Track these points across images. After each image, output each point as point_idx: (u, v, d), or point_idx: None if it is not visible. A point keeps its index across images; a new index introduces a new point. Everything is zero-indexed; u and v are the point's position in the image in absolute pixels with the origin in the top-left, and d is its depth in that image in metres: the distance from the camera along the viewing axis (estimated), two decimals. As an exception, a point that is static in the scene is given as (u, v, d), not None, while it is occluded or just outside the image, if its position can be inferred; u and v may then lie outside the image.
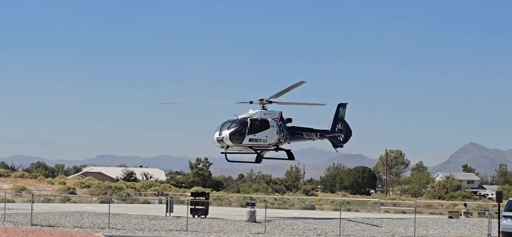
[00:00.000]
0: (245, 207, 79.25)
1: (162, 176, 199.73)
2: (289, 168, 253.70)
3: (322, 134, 76.67)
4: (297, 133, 73.22)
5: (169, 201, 74.11)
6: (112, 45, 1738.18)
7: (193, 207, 70.82)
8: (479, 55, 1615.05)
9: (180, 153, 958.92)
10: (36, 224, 53.56)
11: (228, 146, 69.52)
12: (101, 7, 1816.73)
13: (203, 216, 69.77)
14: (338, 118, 77.88)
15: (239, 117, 69.53)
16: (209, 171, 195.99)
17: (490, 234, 57.28)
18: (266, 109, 70.37)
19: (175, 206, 75.91)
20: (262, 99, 70.25)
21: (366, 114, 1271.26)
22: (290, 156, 73.39)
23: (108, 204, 69.93)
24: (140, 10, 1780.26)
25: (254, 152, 70.75)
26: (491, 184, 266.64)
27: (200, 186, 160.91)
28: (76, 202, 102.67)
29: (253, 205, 70.43)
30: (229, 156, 72.35)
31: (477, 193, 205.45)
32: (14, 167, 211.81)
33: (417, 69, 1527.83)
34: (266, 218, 60.84)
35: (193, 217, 67.60)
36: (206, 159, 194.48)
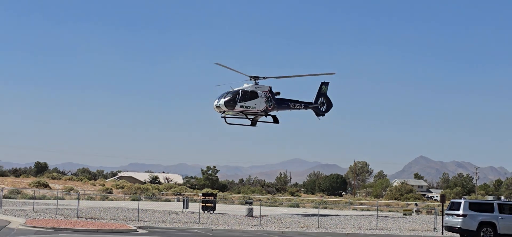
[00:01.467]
0: (245, 205, 79.11)
1: (179, 180, 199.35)
2: (279, 174, 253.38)
3: (306, 105, 75.08)
4: (284, 103, 72.21)
5: (185, 200, 73.86)
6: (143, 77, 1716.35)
7: (204, 204, 70.60)
8: (425, 78, 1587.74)
9: (194, 162, 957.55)
10: (81, 217, 53.38)
11: (224, 111, 68.89)
12: (122, 29, 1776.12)
13: (212, 212, 69.55)
14: (321, 93, 76.17)
15: (234, 89, 69.12)
16: (217, 176, 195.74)
17: (435, 228, 57.14)
18: (257, 84, 69.79)
19: (190, 204, 75.72)
20: (256, 76, 69.82)
21: (341, 130, 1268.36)
22: (275, 120, 72.32)
23: (137, 202, 69.77)
24: (160, 41, 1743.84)
25: (245, 116, 70.11)
26: (436, 188, 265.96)
27: (209, 188, 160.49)
28: (112, 200, 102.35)
29: (250, 203, 70.23)
30: (228, 120, 71.24)
31: (425, 196, 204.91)
32: (64, 172, 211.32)
33: (378, 88, 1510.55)
34: (261, 214, 60.68)
35: (204, 212, 67.38)
36: (214, 167, 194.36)
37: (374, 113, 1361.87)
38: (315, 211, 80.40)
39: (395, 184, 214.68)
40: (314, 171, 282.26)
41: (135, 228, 43.91)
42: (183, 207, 72.23)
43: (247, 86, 69.91)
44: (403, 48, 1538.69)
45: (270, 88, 70.85)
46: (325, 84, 76.97)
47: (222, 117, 70.47)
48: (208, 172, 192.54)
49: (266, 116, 71.71)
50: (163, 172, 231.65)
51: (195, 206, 74.40)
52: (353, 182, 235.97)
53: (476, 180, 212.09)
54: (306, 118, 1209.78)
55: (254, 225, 52.89)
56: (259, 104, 69.12)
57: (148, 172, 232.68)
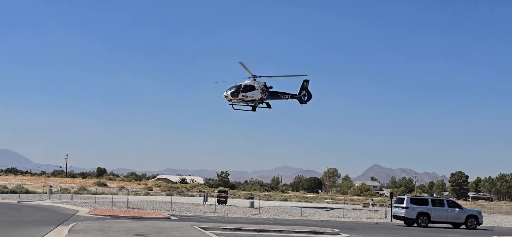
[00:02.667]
0: (248, 199, 78.88)
1: (201, 181, 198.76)
2: (273, 177, 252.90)
3: (292, 95, 73.63)
4: (275, 94, 71.77)
5: (205, 195, 73.73)
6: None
7: (218, 198, 70.50)
8: (379, 98, 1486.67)
9: (212, 168, 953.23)
10: (130, 207, 53.25)
11: (231, 100, 69.38)
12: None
13: (224, 204, 69.39)
14: (303, 87, 74.49)
15: (237, 84, 69.69)
16: (228, 178, 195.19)
17: (386, 216, 56.98)
18: (255, 80, 70.23)
19: (208, 198, 75.58)
20: (255, 75, 70.18)
21: (318, 143, 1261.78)
22: (268, 106, 71.92)
23: (170, 197, 69.59)
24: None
25: (246, 104, 70.27)
26: (387, 188, 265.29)
27: (223, 186, 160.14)
28: (152, 195, 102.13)
29: (252, 198, 70.05)
30: (234, 106, 70.95)
31: (379, 193, 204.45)
32: (118, 174, 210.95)
33: (348, 106, 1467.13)
34: (260, 206, 60.47)
35: (218, 204, 67.24)
36: (226, 171, 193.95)
37: (342, 127, 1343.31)
38: (299, 204, 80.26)
39: (357, 184, 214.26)
40: (298, 175, 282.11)
41: (169, 215, 43.80)
42: (204, 201, 72.10)
43: (247, 81, 70.24)
44: (359, 75, 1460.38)
45: (265, 83, 71.09)
46: (306, 81, 75.54)
47: (230, 104, 70.61)
48: (222, 175, 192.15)
49: (262, 103, 71.85)
50: (189, 175, 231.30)
51: (212, 200, 74.24)
52: (326, 183, 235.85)
53: (415, 182, 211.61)
54: (294, 134, 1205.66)
55: (255, 214, 52.77)
56: (256, 94, 69.64)
57: (178, 175, 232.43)
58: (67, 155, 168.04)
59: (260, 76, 70.94)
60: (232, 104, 70.64)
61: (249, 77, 70.52)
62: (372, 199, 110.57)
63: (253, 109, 71.57)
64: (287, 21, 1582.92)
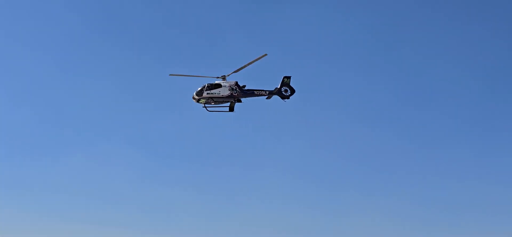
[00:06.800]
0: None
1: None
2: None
3: (270, 92, 71.60)
4: (249, 92, 71.21)
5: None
6: None
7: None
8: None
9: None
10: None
11: (198, 100, 69.66)
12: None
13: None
14: (284, 83, 71.99)
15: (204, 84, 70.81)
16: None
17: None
18: (225, 79, 70.56)
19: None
20: (223, 75, 70.45)
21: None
22: (238, 101, 71.39)
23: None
24: None
25: (213, 101, 70.27)
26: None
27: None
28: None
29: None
30: (208, 109, 71.02)
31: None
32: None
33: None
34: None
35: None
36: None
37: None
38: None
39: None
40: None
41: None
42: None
43: (217, 81, 70.60)
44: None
45: (237, 82, 70.70)
46: (287, 77, 72.10)
47: (203, 107, 70.54)
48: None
49: (235, 100, 71.21)
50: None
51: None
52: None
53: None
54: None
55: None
56: (223, 91, 70.00)
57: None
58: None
59: (228, 75, 71.08)
60: (205, 107, 70.47)
61: (218, 78, 70.78)
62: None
63: (231, 109, 71.35)
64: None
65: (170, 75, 68.59)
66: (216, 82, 70.64)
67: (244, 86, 70.83)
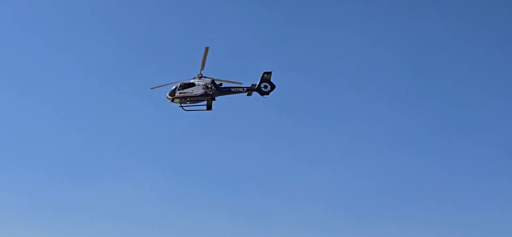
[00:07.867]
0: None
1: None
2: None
3: (249, 88, 69.24)
4: (225, 90, 69.28)
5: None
6: None
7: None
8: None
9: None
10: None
11: (172, 100, 68.57)
12: None
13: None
14: (264, 79, 69.31)
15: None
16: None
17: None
18: (199, 78, 69.20)
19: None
20: (200, 74, 69.00)
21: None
22: (213, 99, 69.77)
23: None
24: None
25: (187, 100, 68.94)
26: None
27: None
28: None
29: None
30: (185, 108, 69.49)
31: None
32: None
33: None
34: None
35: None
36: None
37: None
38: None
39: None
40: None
41: None
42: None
43: (192, 79, 69.30)
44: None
45: (212, 80, 69.10)
46: (267, 73, 69.58)
47: (179, 107, 69.30)
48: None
49: (211, 98, 69.62)
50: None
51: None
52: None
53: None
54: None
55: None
56: (196, 90, 68.36)
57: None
58: None
59: (204, 76, 69.92)
60: (181, 106, 69.27)
61: (194, 78, 69.64)
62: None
63: (208, 108, 69.88)
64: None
65: (151, 88, 68.43)
66: (191, 81, 69.24)
67: (221, 84, 69.10)
